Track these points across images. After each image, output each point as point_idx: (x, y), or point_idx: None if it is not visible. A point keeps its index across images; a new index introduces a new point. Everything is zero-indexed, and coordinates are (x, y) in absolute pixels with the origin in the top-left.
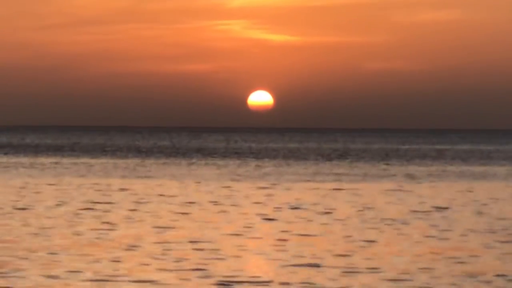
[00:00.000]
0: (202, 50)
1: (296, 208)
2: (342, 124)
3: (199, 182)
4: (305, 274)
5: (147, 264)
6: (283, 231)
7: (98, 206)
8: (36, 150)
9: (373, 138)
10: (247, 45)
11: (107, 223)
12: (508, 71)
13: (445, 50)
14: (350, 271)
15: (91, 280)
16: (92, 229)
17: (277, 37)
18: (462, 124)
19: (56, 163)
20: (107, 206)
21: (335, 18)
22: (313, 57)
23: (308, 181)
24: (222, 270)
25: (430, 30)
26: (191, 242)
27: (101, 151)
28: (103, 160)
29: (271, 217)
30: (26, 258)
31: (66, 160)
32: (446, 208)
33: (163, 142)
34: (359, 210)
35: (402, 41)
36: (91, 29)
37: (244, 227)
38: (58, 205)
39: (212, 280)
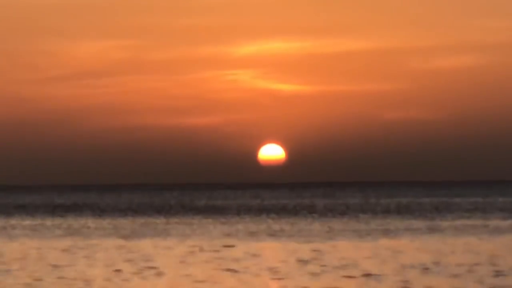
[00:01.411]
0: (208, 102)
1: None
2: (358, 178)
3: (202, 242)
4: None
5: None
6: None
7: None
8: (48, 210)
9: (392, 191)
10: (256, 96)
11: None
12: None
13: (465, 97)
14: None
15: None
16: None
17: (288, 87)
18: (485, 175)
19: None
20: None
21: (349, 65)
22: (326, 107)
23: (329, 239)
24: None
25: (449, 76)
26: None
27: (111, 210)
28: (124, 221)
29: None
30: None
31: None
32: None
33: (169, 200)
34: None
35: (420, 89)
36: (91, 82)
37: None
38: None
39: None
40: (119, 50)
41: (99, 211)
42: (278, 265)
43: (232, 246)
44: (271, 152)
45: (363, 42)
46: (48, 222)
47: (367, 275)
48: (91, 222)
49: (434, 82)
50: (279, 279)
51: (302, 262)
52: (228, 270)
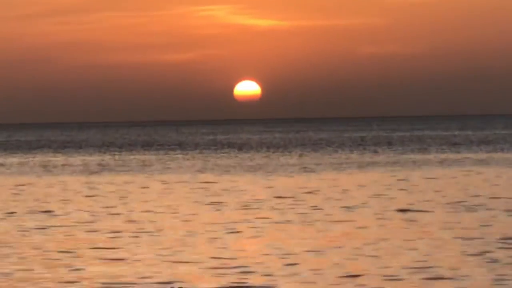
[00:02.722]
0: (184, 38)
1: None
2: (334, 113)
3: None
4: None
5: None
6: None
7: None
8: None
9: (366, 126)
10: (232, 32)
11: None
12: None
13: (444, 31)
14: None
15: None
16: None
17: (264, 22)
18: (464, 110)
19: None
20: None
21: (326, 0)
22: (303, 43)
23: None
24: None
25: (427, 10)
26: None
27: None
28: (95, 157)
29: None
30: None
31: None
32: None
33: (145, 137)
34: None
35: (398, 23)
36: (66, 19)
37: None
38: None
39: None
40: None
41: (75, 147)
42: (254, 199)
43: (208, 181)
44: (247, 88)
45: None
46: (28, 159)
47: (349, 207)
48: (62, 159)
49: (410, 16)
50: (255, 212)
51: (277, 196)
52: (204, 203)
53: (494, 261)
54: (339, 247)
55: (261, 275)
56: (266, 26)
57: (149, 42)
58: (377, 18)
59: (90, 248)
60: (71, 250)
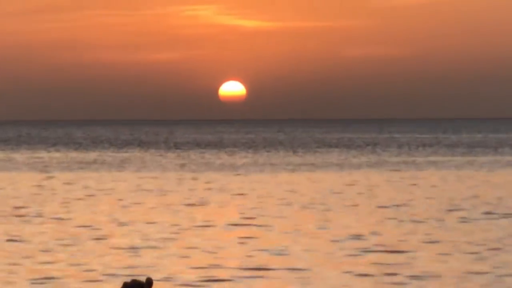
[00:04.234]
0: (169, 38)
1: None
2: (319, 115)
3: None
4: None
5: None
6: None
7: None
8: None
9: (349, 127)
10: (218, 32)
11: None
12: (496, 56)
13: (428, 33)
14: None
15: None
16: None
17: (249, 23)
18: (448, 113)
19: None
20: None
21: (312, 1)
22: (288, 44)
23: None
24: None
25: (411, 13)
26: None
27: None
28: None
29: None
30: None
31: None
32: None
33: (128, 135)
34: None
35: (383, 26)
36: (49, 17)
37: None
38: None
39: None
40: None
41: (54, 144)
42: (238, 194)
43: (192, 178)
44: (232, 89)
45: None
46: (14, 155)
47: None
48: (46, 154)
49: (396, 18)
50: (239, 206)
51: (258, 191)
52: (188, 204)
53: None
54: None
55: None
56: (251, 26)
57: (134, 41)
58: (363, 20)
59: None
60: None
